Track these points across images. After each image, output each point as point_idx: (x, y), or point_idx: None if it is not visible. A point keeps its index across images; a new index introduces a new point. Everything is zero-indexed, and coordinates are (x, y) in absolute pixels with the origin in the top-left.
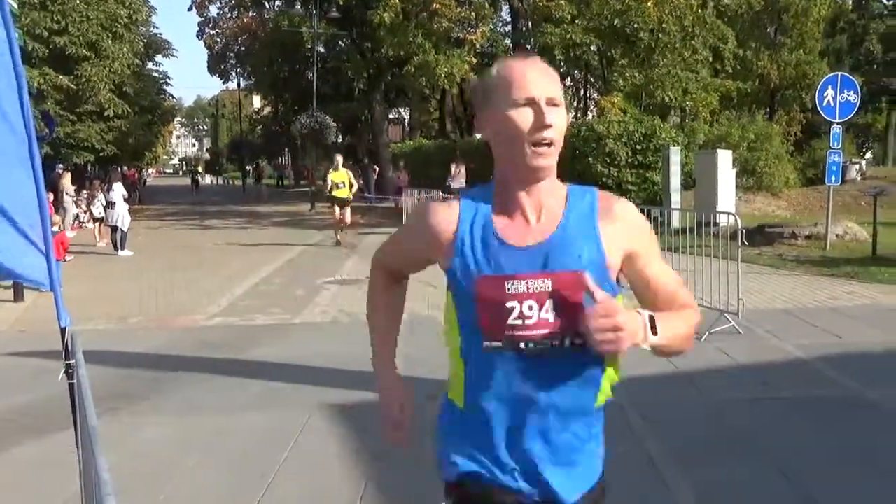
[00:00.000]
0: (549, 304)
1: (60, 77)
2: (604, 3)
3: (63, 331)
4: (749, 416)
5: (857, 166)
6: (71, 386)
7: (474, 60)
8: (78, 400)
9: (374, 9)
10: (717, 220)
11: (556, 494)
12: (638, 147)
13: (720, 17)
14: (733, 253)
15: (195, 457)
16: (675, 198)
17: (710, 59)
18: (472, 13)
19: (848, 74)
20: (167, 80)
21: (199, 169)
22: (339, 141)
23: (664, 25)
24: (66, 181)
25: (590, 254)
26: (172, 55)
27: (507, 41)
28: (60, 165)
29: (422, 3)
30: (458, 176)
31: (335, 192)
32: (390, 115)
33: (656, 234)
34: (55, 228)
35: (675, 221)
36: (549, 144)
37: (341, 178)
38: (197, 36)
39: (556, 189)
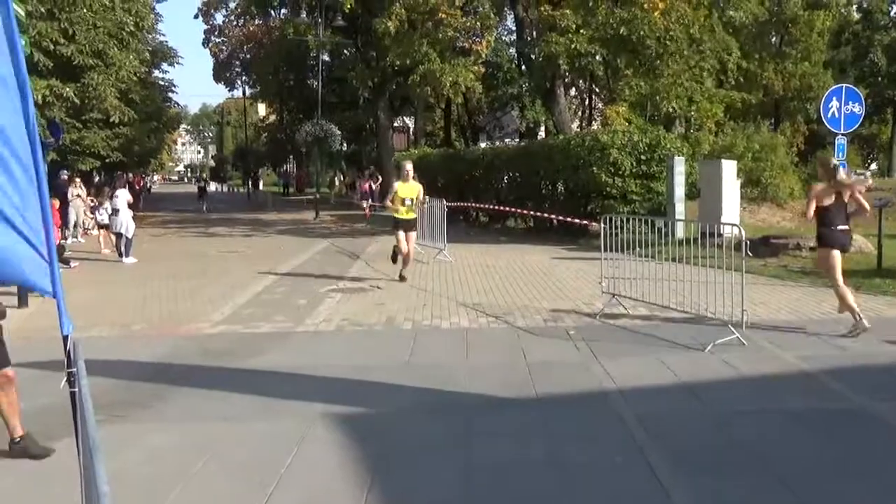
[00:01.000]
0: None
1: (67, 88)
2: (609, 12)
3: (65, 339)
4: (753, 428)
5: (861, 177)
6: (72, 394)
7: (480, 70)
8: (79, 409)
9: (380, 18)
10: (722, 231)
11: None
12: (642, 157)
13: (725, 29)
14: (737, 264)
15: (198, 465)
16: (680, 208)
17: (716, 69)
18: (478, 23)
19: (852, 86)
20: (173, 87)
21: (206, 176)
22: (344, 149)
23: (671, 33)
24: (78, 188)
25: None
26: (178, 63)
27: (512, 51)
28: (65, 172)
29: (427, 13)
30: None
31: (402, 213)
32: (395, 124)
33: (660, 244)
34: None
35: (680, 232)
36: None
37: (411, 194)
38: (203, 44)
39: None
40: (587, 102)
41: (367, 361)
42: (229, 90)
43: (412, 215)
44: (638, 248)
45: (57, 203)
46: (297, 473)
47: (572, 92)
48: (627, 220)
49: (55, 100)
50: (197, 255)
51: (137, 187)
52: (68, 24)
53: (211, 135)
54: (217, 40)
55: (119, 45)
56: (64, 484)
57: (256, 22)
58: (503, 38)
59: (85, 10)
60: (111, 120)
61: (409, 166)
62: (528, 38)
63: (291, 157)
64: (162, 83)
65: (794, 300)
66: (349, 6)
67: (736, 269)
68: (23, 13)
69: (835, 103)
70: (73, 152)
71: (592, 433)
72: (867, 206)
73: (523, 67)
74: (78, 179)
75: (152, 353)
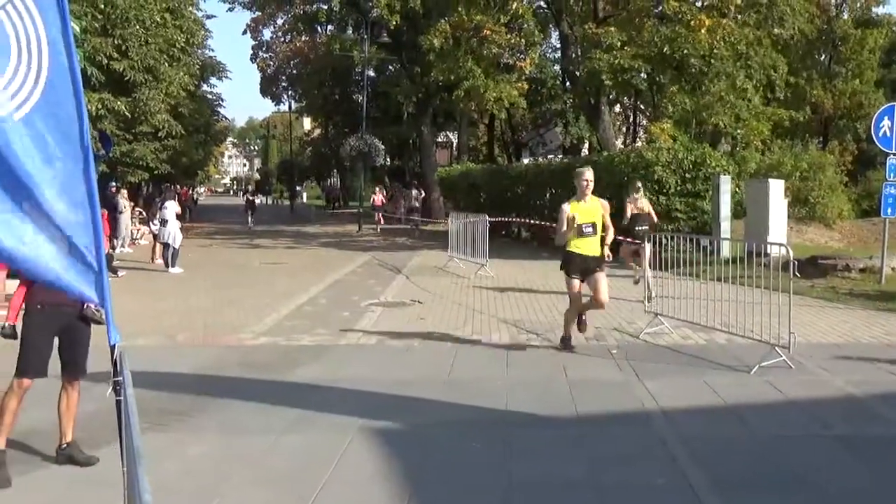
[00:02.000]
0: None
1: (118, 102)
2: (654, 30)
3: (112, 348)
4: (799, 453)
5: None
6: (118, 403)
7: (524, 86)
8: (124, 417)
9: (425, 34)
10: (768, 251)
11: None
12: (687, 175)
13: (773, 46)
14: (784, 285)
15: (238, 476)
16: (725, 227)
17: (763, 86)
18: (522, 39)
19: None
20: (221, 101)
21: (253, 188)
22: (387, 164)
23: (716, 52)
24: (124, 198)
25: None
26: (226, 77)
27: (556, 67)
28: (114, 184)
29: (472, 29)
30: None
31: (579, 247)
32: (438, 139)
33: (705, 263)
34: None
35: (725, 251)
36: None
37: (591, 217)
38: (250, 59)
39: None
40: (631, 119)
41: (407, 376)
42: (275, 104)
43: (594, 250)
44: (682, 267)
45: (106, 213)
46: (335, 487)
47: (616, 108)
48: (671, 238)
49: (107, 113)
50: (241, 266)
51: (185, 199)
52: (121, 40)
53: (256, 148)
54: (264, 55)
55: (170, 60)
56: (107, 491)
57: (303, 38)
58: (547, 54)
59: (138, 27)
60: (159, 134)
61: (588, 175)
62: (573, 55)
63: (335, 170)
64: (210, 97)
65: (843, 323)
66: (395, 23)
67: (783, 289)
68: (78, 30)
69: (886, 122)
70: (122, 164)
71: (633, 454)
72: None
73: (567, 84)
74: (125, 191)
75: (195, 363)
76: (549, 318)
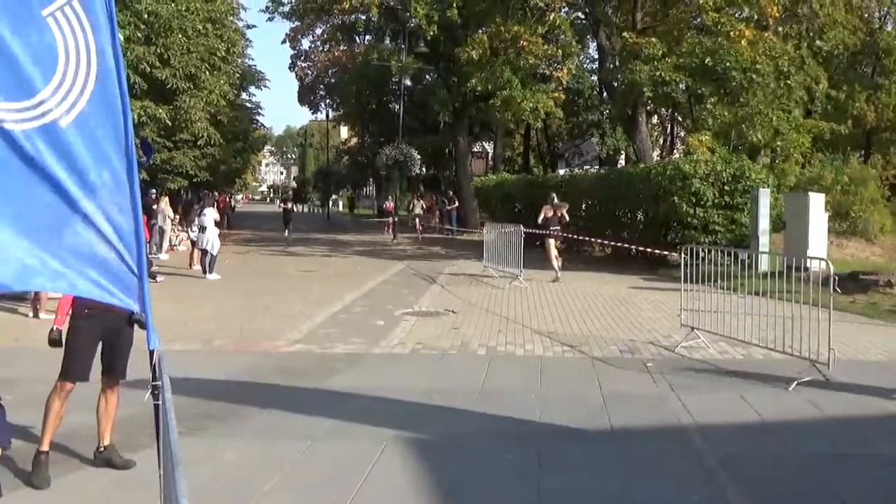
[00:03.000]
0: None
1: (160, 110)
2: (695, 41)
3: (151, 353)
4: (838, 472)
5: None
6: (156, 407)
7: (560, 96)
8: (162, 422)
9: (463, 45)
10: (808, 265)
11: None
12: (726, 188)
13: (814, 58)
14: (824, 300)
15: (271, 482)
16: (764, 240)
17: (804, 99)
18: (559, 50)
19: None
20: (259, 109)
21: (291, 195)
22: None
23: (757, 66)
24: (166, 205)
25: None
26: (265, 86)
27: (593, 77)
28: (153, 190)
29: (509, 40)
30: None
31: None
32: (474, 149)
33: (743, 276)
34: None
35: (764, 265)
36: None
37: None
38: (289, 68)
39: None
40: (669, 130)
41: (441, 386)
42: (313, 113)
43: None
44: (719, 281)
45: (146, 220)
46: (368, 495)
47: (654, 119)
48: (709, 251)
49: (148, 120)
50: (277, 274)
51: (223, 206)
52: (164, 49)
53: (293, 156)
54: (303, 65)
55: (210, 69)
56: (143, 494)
57: (341, 47)
58: (585, 65)
59: (180, 36)
60: (199, 142)
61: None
62: (611, 66)
63: (371, 179)
64: (249, 105)
65: (885, 340)
66: (432, 33)
67: (822, 305)
68: (122, 38)
69: None
70: (163, 171)
71: (668, 469)
72: None
73: (604, 94)
74: (166, 198)
75: (231, 369)
76: (584, 330)
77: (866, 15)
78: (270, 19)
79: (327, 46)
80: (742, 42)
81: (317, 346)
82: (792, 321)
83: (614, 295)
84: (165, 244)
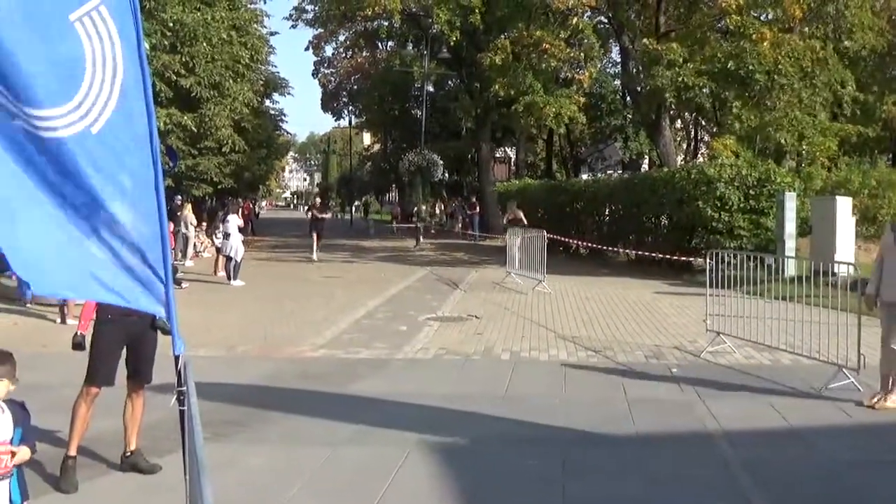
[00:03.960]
0: None
1: (185, 117)
2: (717, 45)
3: (177, 358)
4: (867, 479)
5: None
6: (181, 412)
7: (582, 100)
8: (188, 427)
9: (485, 51)
10: (835, 270)
11: None
12: (751, 192)
13: (840, 60)
14: (852, 305)
15: (295, 488)
16: (790, 245)
17: (830, 101)
18: (581, 54)
19: None
20: (283, 116)
21: (317, 202)
22: (445, 179)
23: (780, 67)
24: (189, 212)
25: None
26: (288, 93)
27: (616, 82)
28: (179, 197)
29: (532, 44)
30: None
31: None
32: (496, 154)
33: (769, 281)
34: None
35: (790, 269)
36: None
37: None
38: (312, 75)
39: None
40: (693, 134)
41: (464, 391)
42: (336, 119)
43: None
44: (745, 286)
45: (171, 226)
46: (392, 500)
47: (677, 124)
48: (734, 255)
49: (174, 128)
50: (301, 279)
51: (247, 212)
52: (189, 57)
53: (317, 162)
54: (326, 71)
55: (234, 76)
56: (169, 499)
57: (364, 54)
58: (607, 69)
59: (204, 45)
60: (223, 149)
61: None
62: (634, 70)
63: (394, 185)
64: (272, 112)
65: None
66: (454, 39)
67: (851, 310)
68: (148, 47)
69: None
70: (188, 178)
71: (693, 475)
72: None
73: (627, 99)
74: (189, 205)
75: (254, 374)
76: (608, 335)
77: (893, 17)
78: (294, 26)
79: (350, 53)
80: (764, 44)
81: (340, 351)
82: (819, 326)
83: (639, 300)
84: (190, 251)
